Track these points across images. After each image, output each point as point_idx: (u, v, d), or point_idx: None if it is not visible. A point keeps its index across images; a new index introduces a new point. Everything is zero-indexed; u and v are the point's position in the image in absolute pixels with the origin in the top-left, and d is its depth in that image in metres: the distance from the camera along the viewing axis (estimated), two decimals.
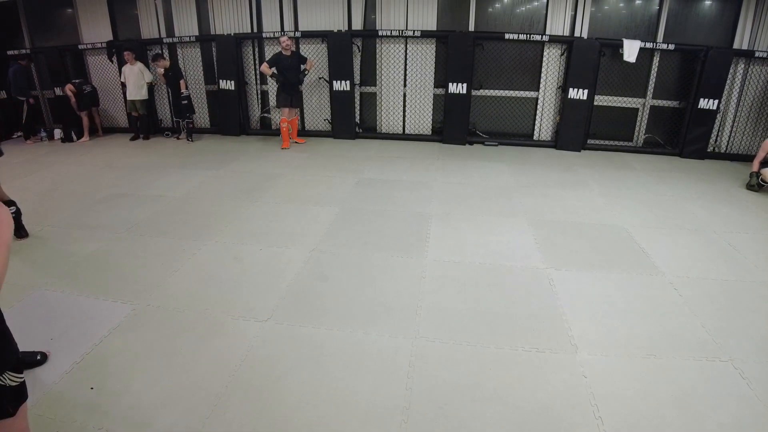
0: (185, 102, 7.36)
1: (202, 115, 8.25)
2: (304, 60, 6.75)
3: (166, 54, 7.61)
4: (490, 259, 3.53)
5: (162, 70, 7.28)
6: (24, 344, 2.42)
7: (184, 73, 7.50)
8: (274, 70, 6.55)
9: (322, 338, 2.62)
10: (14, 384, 1.38)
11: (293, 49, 6.72)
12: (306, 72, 6.78)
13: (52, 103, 8.52)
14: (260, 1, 7.38)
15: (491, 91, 7.16)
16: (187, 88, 7.37)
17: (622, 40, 6.41)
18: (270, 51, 7.50)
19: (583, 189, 5.19)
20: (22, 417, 1.44)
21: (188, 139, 7.56)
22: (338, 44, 6.97)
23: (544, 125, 7.21)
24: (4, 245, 1.24)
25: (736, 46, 6.46)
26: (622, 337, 2.63)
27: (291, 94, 6.73)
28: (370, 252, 3.65)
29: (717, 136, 6.76)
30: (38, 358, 2.40)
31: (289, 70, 6.57)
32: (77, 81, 7.78)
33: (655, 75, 6.76)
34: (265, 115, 7.99)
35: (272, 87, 7.71)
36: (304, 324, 2.75)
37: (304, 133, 7.57)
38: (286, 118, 6.87)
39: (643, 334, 2.66)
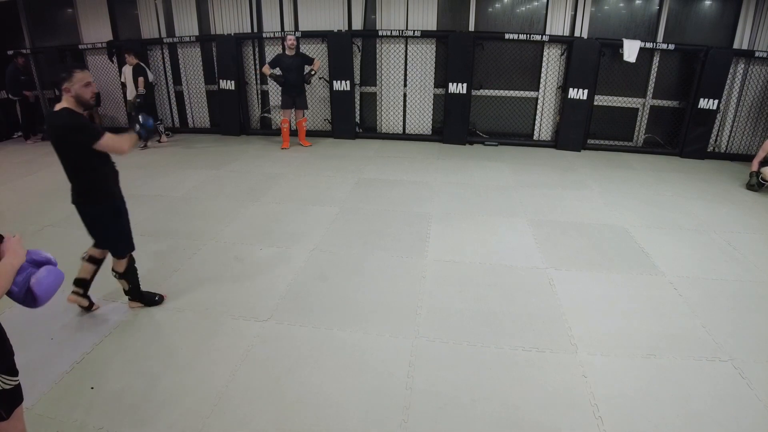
0: (138, 100, 6.97)
1: (201, 115, 8.25)
2: (309, 60, 6.62)
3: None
4: (490, 259, 3.53)
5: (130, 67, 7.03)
6: (24, 344, 2.42)
7: (149, 74, 7.29)
8: (275, 71, 6.50)
9: (322, 338, 2.62)
10: (8, 387, 1.38)
11: (297, 49, 6.66)
12: (313, 73, 6.65)
13: (53, 103, 8.51)
14: (260, 1, 7.38)
15: (491, 91, 7.15)
16: (145, 87, 6.89)
17: (622, 40, 6.41)
18: (270, 51, 7.51)
19: (583, 189, 5.19)
20: (17, 419, 1.43)
21: (140, 146, 7.04)
22: (338, 44, 6.97)
23: (544, 125, 7.21)
24: (10, 267, 1.27)
25: (736, 46, 6.46)
26: (622, 337, 2.63)
27: (293, 95, 6.62)
28: (370, 252, 3.65)
29: (717, 136, 6.76)
30: (156, 298, 2.93)
31: (291, 70, 6.47)
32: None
33: (655, 75, 6.76)
34: (265, 115, 7.99)
35: (273, 87, 7.71)
36: (304, 324, 2.75)
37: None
38: (287, 119, 6.82)
39: (643, 334, 2.66)
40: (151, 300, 2.94)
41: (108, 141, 2.46)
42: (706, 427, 2.04)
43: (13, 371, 1.41)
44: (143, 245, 3.79)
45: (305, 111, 6.95)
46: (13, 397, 1.40)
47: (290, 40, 6.43)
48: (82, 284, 2.84)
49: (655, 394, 2.21)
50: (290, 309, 2.90)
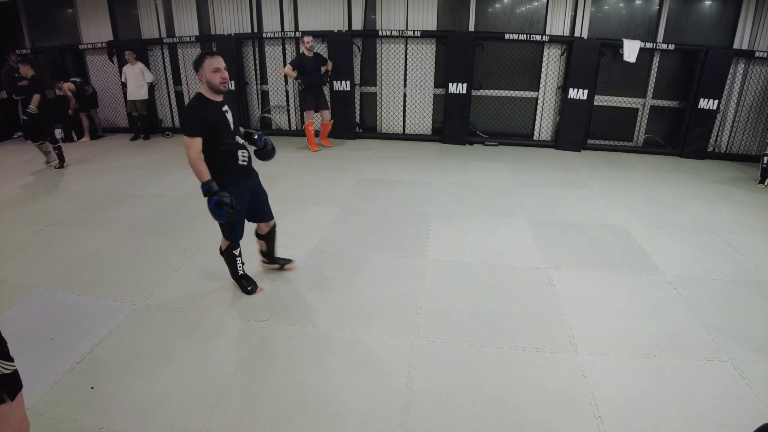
0: (25, 118, 6.10)
1: None
2: (324, 61, 6.62)
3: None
4: (490, 259, 3.53)
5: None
6: (24, 344, 2.42)
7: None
8: (295, 73, 6.41)
9: (322, 338, 2.62)
10: (7, 372, 1.40)
11: (315, 50, 6.60)
12: (329, 73, 6.66)
13: (53, 103, 8.50)
14: (260, 1, 7.38)
15: (491, 91, 7.15)
16: (38, 107, 6.01)
17: (622, 40, 6.41)
18: (270, 51, 7.51)
19: (583, 189, 5.19)
20: (19, 405, 1.44)
21: (57, 165, 6.19)
22: (338, 44, 6.97)
23: (544, 125, 7.21)
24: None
25: (736, 46, 6.46)
26: (622, 337, 2.63)
27: (315, 96, 6.57)
28: (370, 252, 3.65)
29: (717, 136, 6.76)
30: (249, 288, 3.03)
31: (312, 71, 6.43)
32: (77, 80, 7.74)
33: (655, 75, 6.76)
34: (266, 115, 7.99)
35: (273, 87, 7.71)
36: (304, 324, 2.75)
37: (302, 132, 7.55)
38: (312, 121, 6.71)
39: (643, 334, 2.66)
40: (245, 287, 3.05)
41: (185, 141, 2.57)
42: (706, 427, 2.03)
43: (8, 357, 1.42)
44: (144, 245, 3.79)
45: (330, 111, 6.88)
46: (14, 382, 1.42)
47: (308, 41, 6.35)
48: (264, 255, 3.27)
49: (655, 394, 2.21)
50: (290, 309, 2.90)
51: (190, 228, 4.10)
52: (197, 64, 2.55)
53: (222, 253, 3.00)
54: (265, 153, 2.97)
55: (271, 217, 3.09)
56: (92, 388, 2.23)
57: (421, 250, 3.66)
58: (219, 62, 2.53)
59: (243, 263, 3.04)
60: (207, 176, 2.56)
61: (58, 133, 7.97)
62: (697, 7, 6.62)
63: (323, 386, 2.26)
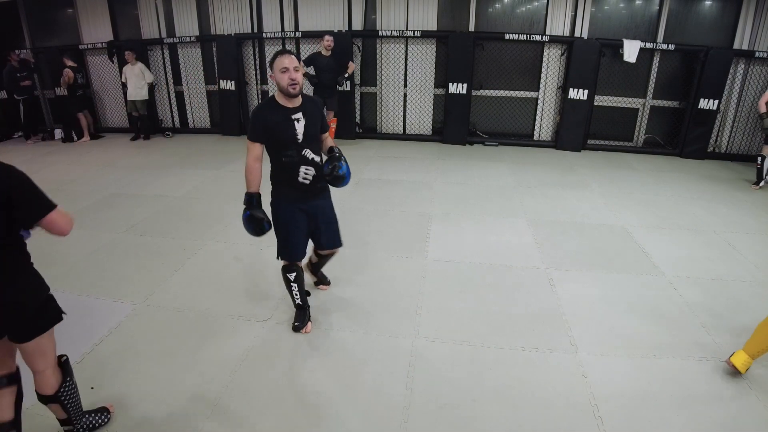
0: None
1: (201, 115, 8.25)
2: (345, 62, 6.47)
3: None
4: (490, 259, 3.53)
5: None
6: None
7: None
8: (309, 69, 6.31)
9: (322, 338, 2.63)
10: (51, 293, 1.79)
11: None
12: (348, 76, 6.52)
13: (53, 103, 8.52)
14: (261, 1, 7.38)
15: (491, 91, 7.15)
16: None
17: (623, 41, 6.41)
18: (270, 51, 7.51)
19: (583, 189, 5.19)
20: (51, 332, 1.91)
21: None
22: (339, 44, 6.96)
23: (544, 125, 7.21)
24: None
25: (736, 46, 6.46)
26: (622, 337, 2.63)
27: (324, 97, 6.42)
28: (370, 252, 3.65)
29: (717, 136, 6.76)
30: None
31: (326, 71, 6.30)
32: (78, 76, 7.70)
33: (655, 75, 6.76)
34: None
35: (273, 87, 7.71)
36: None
37: None
38: None
39: (643, 334, 2.66)
40: (294, 319, 2.69)
41: (246, 144, 2.36)
42: (706, 427, 2.04)
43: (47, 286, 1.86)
44: (144, 245, 3.79)
45: (334, 113, 6.74)
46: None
47: (327, 40, 6.23)
48: (310, 264, 3.00)
49: (655, 394, 2.22)
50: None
51: (190, 228, 4.10)
52: (269, 64, 2.31)
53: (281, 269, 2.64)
54: (332, 179, 2.47)
55: (331, 247, 2.70)
56: (92, 388, 2.23)
57: (421, 250, 3.66)
58: (288, 61, 2.23)
59: (301, 292, 2.63)
60: (252, 187, 2.35)
61: (58, 133, 8.00)
62: (697, 7, 6.62)
63: (323, 386, 2.26)
